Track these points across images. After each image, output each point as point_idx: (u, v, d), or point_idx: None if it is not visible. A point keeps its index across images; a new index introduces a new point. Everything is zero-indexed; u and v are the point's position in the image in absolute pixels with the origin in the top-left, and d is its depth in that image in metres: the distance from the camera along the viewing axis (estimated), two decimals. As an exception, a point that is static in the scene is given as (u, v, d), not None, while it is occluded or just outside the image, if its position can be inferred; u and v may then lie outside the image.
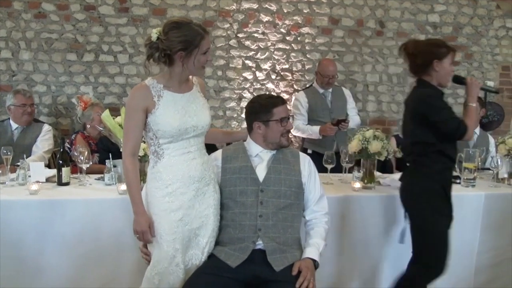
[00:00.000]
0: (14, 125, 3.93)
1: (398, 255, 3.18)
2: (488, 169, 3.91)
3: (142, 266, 2.71)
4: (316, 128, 4.15)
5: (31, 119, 3.98)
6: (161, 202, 2.21)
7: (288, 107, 2.58)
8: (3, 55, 4.65)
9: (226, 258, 2.27)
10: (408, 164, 2.92)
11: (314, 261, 2.28)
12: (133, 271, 2.80)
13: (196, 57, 2.15)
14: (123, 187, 2.89)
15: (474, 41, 5.56)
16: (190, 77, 2.32)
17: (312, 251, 2.31)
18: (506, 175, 3.67)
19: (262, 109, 2.42)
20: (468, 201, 3.31)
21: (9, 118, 3.96)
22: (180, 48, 2.10)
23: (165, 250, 2.19)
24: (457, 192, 3.32)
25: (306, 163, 2.51)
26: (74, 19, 4.69)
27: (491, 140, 4.56)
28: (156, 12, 4.79)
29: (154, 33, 2.13)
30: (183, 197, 2.21)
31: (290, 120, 2.51)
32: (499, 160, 3.58)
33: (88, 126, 3.92)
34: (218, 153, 2.51)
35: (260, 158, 2.46)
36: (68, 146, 3.84)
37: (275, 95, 2.67)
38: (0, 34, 4.62)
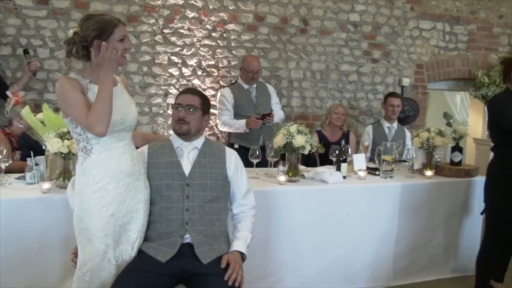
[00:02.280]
0: None
1: (323, 244, 3.33)
2: (405, 161, 4.15)
3: (68, 265, 2.66)
4: (242, 122, 4.22)
5: None
6: (91, 198, 2.17)
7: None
8: None
9: (155, 254, 2.27)
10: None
11: (241, 253, 2.33)
12: (59, 271, 2.74)
13: (112, 44, 2.13)
14: (46, 185, 2.81)
15: (392, 40, 5.85)
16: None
17: (239, 244, 2.36)
18: (420, 166, 3.90)
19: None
20: (387, 191, 3.51)
21: None
22: (94, 35, 2.10)
23: (96, 247, 2.16)
24: (376, 183, 3.54)
25: (232, 157, 2.55)
26: (-13, 9, 4.43)
27: (407, 134, 4.84)
28: (78, 6, 4.61)
29: (70, 31, 2.15)
30: (114, 192, 2.19)
31: (191, 110, 2.48)
32: (413, 153, 3.81)
33: (15, 122, 3.75)
34: (144, 148, 2.51)
35: (181, 150, 2.49)
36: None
37: (190, 88, 2.71)
38: None
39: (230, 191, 2.52)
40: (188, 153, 2.47)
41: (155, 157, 2.45)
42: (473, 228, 3.85)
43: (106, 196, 2.18)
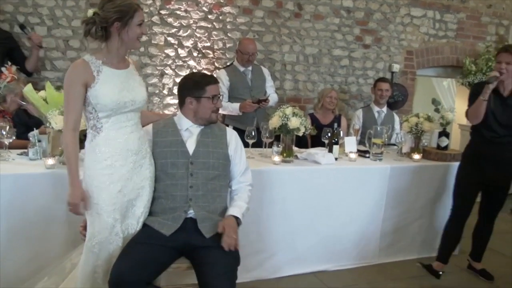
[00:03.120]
0: None
1: (314, 222, 3.48)
2: (394, 144, 4.29)
3: (71, 238, 2.81)
4: (236, 105, 4.28)
5: None
6: (101, 174, 2.28)
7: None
8: None
9: (159, 227, 2.40)
10: None
11: (236, 218, 2.46)
12: (62, 243, 2.85)
13: (132, 28, 2.24)
14: (50, 161, 2.90)
15: (383, 27, 5.96)
16: (126, 56, 2.39)
17: (234, 210, 2.49)
18: (408, 150, 4.05)
19: (196, 85, 2.56)
20: (376, 173, 3.67)
21: None
22: (115, 17, 2.19)
23: (105, 220, 2.28)
24: (366, 165, 3.69)
25: (232, 137, 2.67)
26: (-15, -14, 4.45)
27: (396, 118, 4.99)
28: (76, -16, 4.66)
29: (90, 11, 2.22)
30: (121, 169, 2.30)
31: (220, 98, 2.65)
32: (402, 137, 3.96)
33: (9, 99, 3.79)
34: (149, 127, 2.61)
35: (190, 132, 2.59)
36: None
37: (209, 74, 2.80)
38: None
39: (230, 170, 2.64)
40: (196, 134, 2.58)
41: (160, 136, 2.56)
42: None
43: (114, 173, 2.29)
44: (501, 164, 3.35)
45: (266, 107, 4.27)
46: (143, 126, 2.52)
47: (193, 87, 2.56)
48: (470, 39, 6.45)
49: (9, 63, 4.03)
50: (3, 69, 3.70)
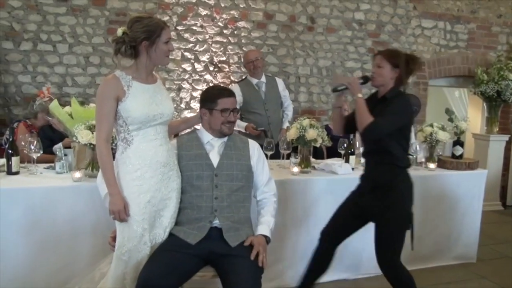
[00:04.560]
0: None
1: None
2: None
3: (98, 248, 2.89)
4: (243, 124, 4.34)
5: None
6: (131, 185, 2.37)
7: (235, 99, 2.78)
8: None
9: (185, 236, 2.47)
10: None
11: (265, 237, 2.54)
12: (89, 253, 2.94)
13: (159, 46, 2.35)
14: (77, 174, 3.01)
15: (395, 38, 6.04)
16: (154, 72, 2.50)
17: (263, 228, 2.57)
18: (423, 159, 4.11)
19: (209, 98, 2.67)
20: (392, 183, 3.69)
21: None
22: (143, 37, 2.31)
23: (134, 230, 2.36)
24: (383, 174, 3.72)
25: (255, 149, 2.76)
26: (9, 6, 4.59)
27: (411, 129, 5.03)
28: (96, 3, 4.80)
29: (119, 30, 2.33)
30: (151, 181, 2.39)
31: (232, 112, 2.67)
32: (417, 146, 4.01)
33: (40, 116, 3.92)
34: (174, 141, 2.70)
35: (211, 145, 2.68)
36: (7, 135, 3.84)
37: (225, 87, 2.88)
38: None
39: (253, 181, 2.72)
40: (218, 146, 2.67)
41: (185, 149, 2.64)
42: (474, 218, 4.06)
43: (144, 184, 2.38)
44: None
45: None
46: (171, 136, 2.61)
47: (206, 99, 2.67)
48: (481, 48, 6.51)
49: (49, 83, 4.17)
50: (43, 88, 3.82)
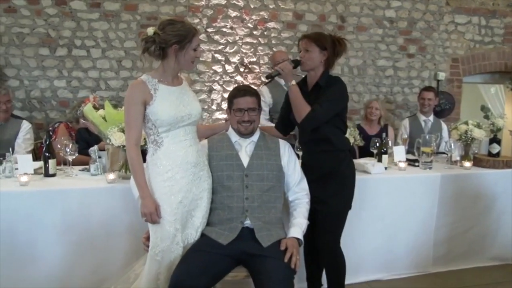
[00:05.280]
0: (-9, 122, 3.97)
1: (365, 231, 3.49)
2: (442, 153, 4.26)
3: (132, 251, 2.93)
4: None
5: (8, 116, 4.03)
6: (162, 186, 2.39)
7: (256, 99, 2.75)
8: (-27, 50, 4.66)
9: (217, 236, 2.49)
10: None
11: (297, 239, 2.53)
12: (123, 256, 2.98)
13: (188, 51, 2.37)
14: (111, 176, 3.05)
15: (427, 35, 5.94)
16: (179, 74, 2.53)
17: (296, 231, 2.56)
18: (458, 158, 4.02)
19: (228, 98, 2.75)
20: (426, 182, 3.65)
21: (-14, 115, 4.00)
22: (175, 41, 2.32)
23: (167, 230, 2.39)
24: (416, 173, 3.68)
25: (286, 148, 2.75)
26: (45, 13, 4.73)
27: (444, 127, 4.95)
28: (128, 8, 4.89)
29: (150, 30, 2.33)
30: (181, 181, 2.41)
31: (251, 112, 2.66)
32: (452, 145, 3.93)
33: (81, 122, 4.01)
34: (204, 142, 2.74)
35: (239, 145, 2.70)
36: (45, 138, 3.94)
37: (244, 87, 2.85)
38: (-30, 29, 4.63)
39: (284, 181, 2.71)
40: (245, 147, 2.68)
41: (215, 150, 2.67)
42: (511, 218, 3.95)
43: (175, 184, 2.40)
44: None
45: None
46: (201, 139, 2.64)
47: (227, 100, 2.75)
48: (519, 43, 6.34)
49: (96, 93, 4.26)
50: (90, 96, 3.90)
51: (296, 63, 2.79)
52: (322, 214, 2.78)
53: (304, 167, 2.86)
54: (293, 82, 2.72)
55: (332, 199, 2.76)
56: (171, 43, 2.33)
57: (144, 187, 2.37)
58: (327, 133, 2.73)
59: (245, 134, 2.69)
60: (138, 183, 2.38)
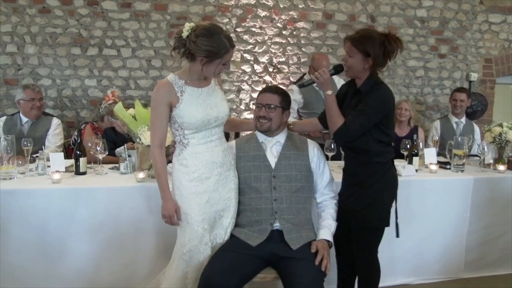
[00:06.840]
0: (24, 119, 4.06)
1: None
2: (474, 155, 4.16)
3: (160, 249, 2.94)
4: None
5: (40, 113, 4.11)
6: (188, 186, 2.40)
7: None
8: (8, 49, 4.76)
9: (246, 238, 2.48)
10: None
11: (327, 241, 2.50)
12: (152, 254, 2.99)
13: (217, 66, 2.31)
14: (141, 175, 3.07)
15: (459, 35, 5.82)
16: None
17: (325, 233, 2.53)
18: (492, 161, 3.92)
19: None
20: (458, 185, 3.56)
21: (18, 112, 4.08)
22: (204, 55, 2.26)
23: (195, 230, 2.39)
24: (448, 176, 3.61)
25: (314, 149, 2.72)
26: (78, 14, 4.81)
27: (476, 129, 4.85)
28: (158, 7, 4.93)
29: (186, 30, 2.25)
30: (208, 181, 2.41)
31: (271, 108, 2.61)
32: (485, 147, 3.83)
33: (106, 119, 4.06)
34: (232, 143, 2.73)
35: (265, 145, 2.67)
36: (75, 136, 4.00)
37: (271, 86, 2.81)
38: (6, 29, 4.73)
39: (313, 181, 2.68)
40: (271, 147, 2.65)
41: (243, 151, 2.66)
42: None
43: (201, 185, 2.40)
44: None
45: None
46: (236, 133, 2.62)
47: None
48: (556, 43, 6.15)
49: (114, 87, 4.30)
50: (108, 91, 3.94)
51: (337, 69, 2.66)
52: (356, 228, 2.64)
53: (343, 172, 2.78)
54: (329, 92, 2.55)
55: (363, 211, 2.58)
56: (199, 55, 2.26)
57: (165, 190, 2.38)
58: (362, 145, 2.55)
59: (261, 131, 2.67)
60: (160, 185, 2.38)
